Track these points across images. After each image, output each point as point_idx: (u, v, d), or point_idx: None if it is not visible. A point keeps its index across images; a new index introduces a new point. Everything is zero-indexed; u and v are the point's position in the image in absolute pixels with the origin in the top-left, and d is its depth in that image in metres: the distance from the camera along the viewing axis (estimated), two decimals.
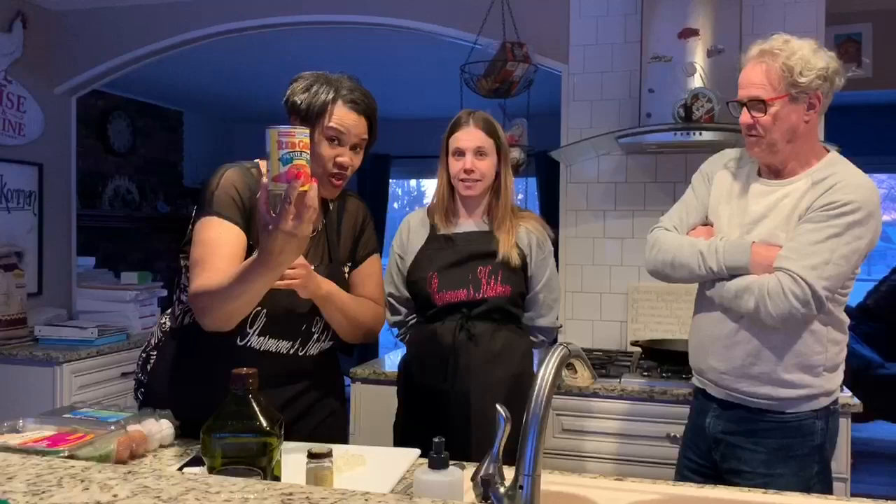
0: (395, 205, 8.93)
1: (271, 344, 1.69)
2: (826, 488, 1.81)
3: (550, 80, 3.27)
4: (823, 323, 1.79)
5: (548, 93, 3.37)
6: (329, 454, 1.30)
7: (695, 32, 2.76)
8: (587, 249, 3.18)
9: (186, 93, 5.97)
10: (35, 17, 3.78)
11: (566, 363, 1.18)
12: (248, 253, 1.58)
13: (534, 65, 3.16)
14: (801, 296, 1.70)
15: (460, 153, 2.13)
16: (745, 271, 1.78)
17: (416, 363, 2.17)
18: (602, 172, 3.16)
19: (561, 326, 2.62)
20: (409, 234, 2.25)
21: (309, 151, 1.36)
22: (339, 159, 1.69)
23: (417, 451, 1.60)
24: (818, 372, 1.79)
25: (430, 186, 8.04)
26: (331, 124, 1.66)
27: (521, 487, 1.08)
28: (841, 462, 2.27)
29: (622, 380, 2.55)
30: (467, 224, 2.20)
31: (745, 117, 1.82)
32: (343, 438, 1.89)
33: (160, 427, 1.58)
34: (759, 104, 1.77)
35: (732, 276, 1.80)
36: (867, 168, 1.83)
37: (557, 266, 2.31)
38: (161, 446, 1.59)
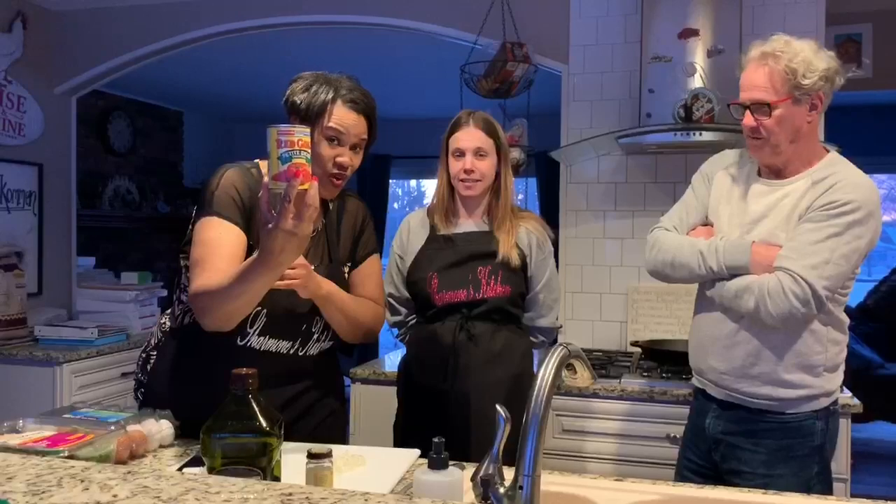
0: (396, 205, 8.93)
1: (271, 344, 1.69)
2: (826, 489, 1.81)
3: (550, 81, 3.27)
4: (823, 323, 1.79)
5: (548, 93, 3.37)
6: (329, 454, 1.30)
7: (695, 33, 2.76)
8: (587, 250, 3.18)
9: (186, 93, 5.97)
10: (35, 17, 3.78)
11: (566, 363, 1.18)
12: (249, 253, 1.58)
13: (534, 65, 3.16)
14: (801, 295, 1.70)
15: (460, 153, 2.13)
16: (745, 271, 1.78)
17: (416, 363, 2.17)
18: (602, 173, 3.16)
19: (561, 327, 2.62)
20: (408, 234, 2.25)
21: (309, 150, 1.36)
22: (338, 159, 1.69)
23: (417, 452, 1.60)
24: (818, 372, 1.79)
25: (430, 187, 8.04)
26: (330, 124, 1.66)
27: (520, 488, 1.08)
28: (841, 462, 2.27)
29: (622, 380, 2.55)
30: (467, 224, 2.20)
31: (748, 120, 1.81)
32: (343, 438, 1.89)
33: (160, 427, 1.58)
34: (764, 107, 1.77)
35: (732, 276, 1.80)
36: (867, 168, 1.83)
37: (557, 266, 2.31)
38: (161, 446, 1.59)
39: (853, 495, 1.86)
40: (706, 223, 1.96)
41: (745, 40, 2.60)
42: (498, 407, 1.17)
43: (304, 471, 1.28)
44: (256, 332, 1.67)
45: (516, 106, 3.33)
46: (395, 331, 2.30)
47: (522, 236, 2.17)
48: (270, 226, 1.34)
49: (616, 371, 2.66)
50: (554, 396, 1.13)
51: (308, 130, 1.36)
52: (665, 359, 2.68)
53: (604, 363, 2.78)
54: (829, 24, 2.94)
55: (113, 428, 1.50)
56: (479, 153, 2.13)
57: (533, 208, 6.37)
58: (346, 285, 1.79)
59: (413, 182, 9.22)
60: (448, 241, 2.17)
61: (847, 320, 1.85)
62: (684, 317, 2.94)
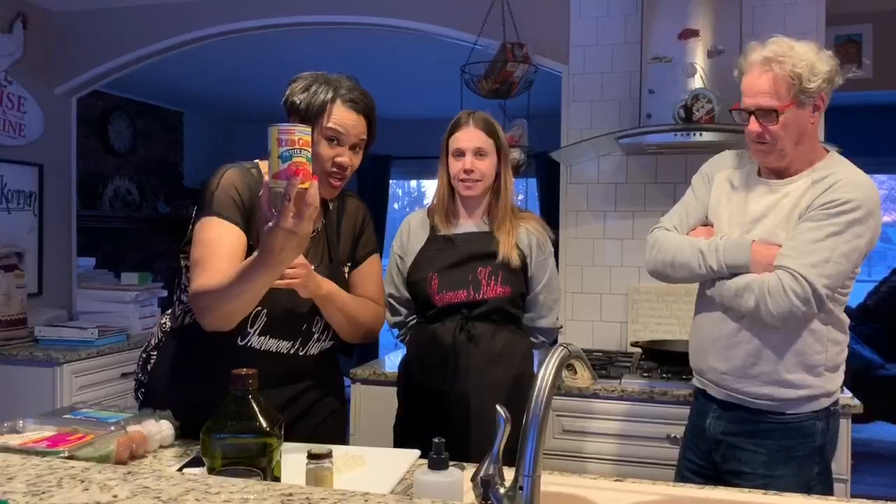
0: (396, 205, 8.94)
1: (272, 344, 1.69)
2: (826, 489, 1.81)
3: (550, 81, 3.27)
4: (823, 322, 1.79)
5: (548, 93, 3.37)
6: (329, 455, 1.30)
7: (695, 33, 2.76)
8: (587, 250, 3.18)
9: (186, 93, 5.97)
10: (35, 18, 3.78)
11: (566, 364, 1.18)
12: (249, 253, 1.58)
13: (534, 65, 3.16)
14: (801, 294, 1.70)
15: (460, 153, 2.13)
16: (746, 270, 1.78)
17: (416, 364, 2.17)
18: (602, 173, 3.16)
19: (561, 327, 2.62)
20: (409, 234, 2.25)
21: (310, 149, 1.36)
22: (338, 159, 1.69)
23: (417, 452, 1.60)
24: (819, 372, 1.79)
25: (430, 187, 8.04)
26: (330, 124, 1.66)
27: (520, 488, 1.07)
28: (841, 463, 2.27)
29: (622, 381, 2.55)
30: (467, 225, 2.20)
31: (753, 126, 1.79)
32: (343, 439, 1.89)
33: (160, 427, 1.58)
34: (770, 114, 1.76)
35: (733, 275, 1.80)
36: (867, 168, 1.83)
37: (557, 267, 2.31)
38: (161, 447, 1.59)
39: (853, 495, 1.86)
40: (706, 223, 1.96)
41: (745, 41, 2.60)
42: (498, 407, 1.17)
43: (305, 471, 1.28)
44: (257, 332, 1.67)
45: (516, 106, 3.33)
46: (396, 331, 2.30)
47: (523, 237, 2.17)
48: (271, 224, 1.34)
49: (616, 371, 2.66)
50: (554, 397, 1.13)
51: (309, 129, 1.36)
52: (665, 359, 2.68)
53: (604, 363, 2.78)
54: (829, 24, 2.94)
55: (113, 428, 1.50)
56: (479, 153, 2.13)
57: (533, 209, 6.37)
58: (346, 285, 1.79)
59: (413, 182, 9.23)
60: (448, 242, 2.17)
61: (847, 320, 1.85)
62: (684, 317, 2.94)
